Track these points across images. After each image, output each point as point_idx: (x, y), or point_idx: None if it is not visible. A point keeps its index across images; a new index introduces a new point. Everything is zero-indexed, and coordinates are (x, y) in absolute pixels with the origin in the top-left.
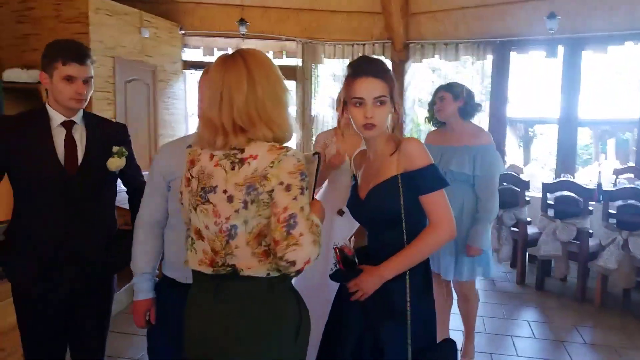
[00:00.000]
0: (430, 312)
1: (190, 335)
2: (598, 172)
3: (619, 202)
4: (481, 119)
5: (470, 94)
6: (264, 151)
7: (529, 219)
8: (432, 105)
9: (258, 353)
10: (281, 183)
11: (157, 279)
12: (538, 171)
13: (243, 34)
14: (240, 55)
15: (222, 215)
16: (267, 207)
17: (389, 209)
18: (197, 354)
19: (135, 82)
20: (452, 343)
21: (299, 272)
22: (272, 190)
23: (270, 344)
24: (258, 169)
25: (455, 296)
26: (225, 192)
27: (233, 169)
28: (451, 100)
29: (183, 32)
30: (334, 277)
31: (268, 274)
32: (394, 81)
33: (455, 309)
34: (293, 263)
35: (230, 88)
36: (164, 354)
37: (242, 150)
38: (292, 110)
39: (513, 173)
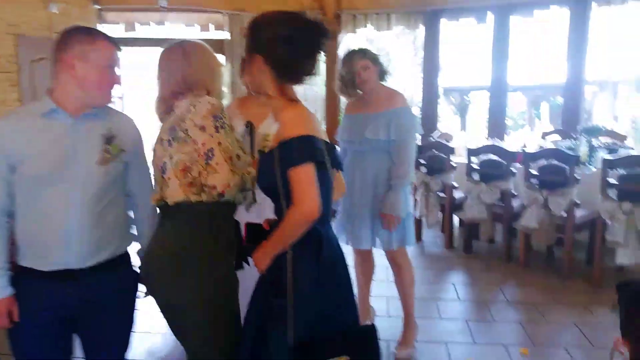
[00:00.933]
0: (328, 301)
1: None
2: (525, 135)
3: (541, 163)
4: (415, 87)
5: (382, 56)
6: (186, 100)
7: (455, 184)
8: (350, 76)
9: (178, 269)
10: (196, 125)
11: (11, 272)
12: (472, 138)
13: (164, 7)
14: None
15: (158, 155)
16: (185, 144)
17: (267, 183)
18: (144, 270)
19: (43, 61)
20: (367, 331)
21: (221, 195)
22: (187, 130)
23: (187, 264)
24: (179, 114)
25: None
26: (161, 139)
27: (165, 118)
28: (372, 66)
29: (99, 7)
30: (242, 250)
31: (192, 201)
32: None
33: (376, 276)
34: (214, 187)
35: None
36: (34, 353)
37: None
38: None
39: (442, 141)
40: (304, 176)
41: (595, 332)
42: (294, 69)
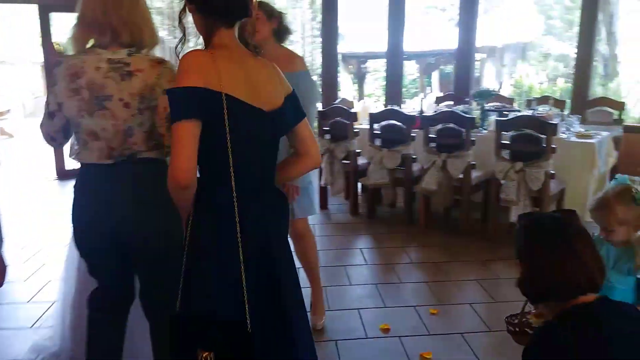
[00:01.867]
0: (211, 279)
1: (88, 217)
2: (421, 100)
3: (439, 127)
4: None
5: (281, 14)
6: (148, 66)
7: (358, 150)
8: (240, 31)
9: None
10: (164, 91)
11: None
12: (370, 105)
13: None
14: None
15: (119, 118)
16: (155, 112)
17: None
18: (95, 230)
19: None
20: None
21: None
22: (157, 98)
23: (154, 211)
24: (147, 82)
25: None
26: (121, 100)
27: (124, 80)
28: (265, 20)
29: None
30: None
31: (159, 157)
32: None
33: None
34: None
35: None
36: None
37: (128, 64)
38: None
39: (343, 107)
40: (174, 135)
41: (495, 287)
42: (220, 8)
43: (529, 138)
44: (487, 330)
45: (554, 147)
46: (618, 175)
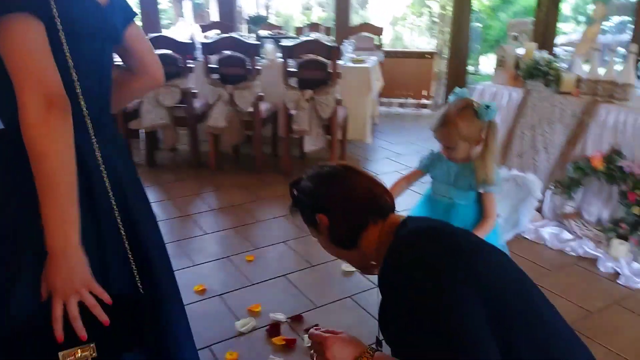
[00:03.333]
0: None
1: None
2: (185, 29)
3: (220, 56)
4: None
5: None
6: None
7: None
8: None
9: None
10: None
11: None
12: None
13: None
14: None
15: None
16: None
17: None
18: None
19: None
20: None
21: None
22: None
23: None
24: None
25: None
26: None
27: None
28: None
29: None
30: None
31: None
32: None
33: None
34: None
35: None
36: None
37: None
38: None
39: None
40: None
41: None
42: None
43: (316, 64)
44: (309, 265)
45: (339, 72)
46: (457, 89)
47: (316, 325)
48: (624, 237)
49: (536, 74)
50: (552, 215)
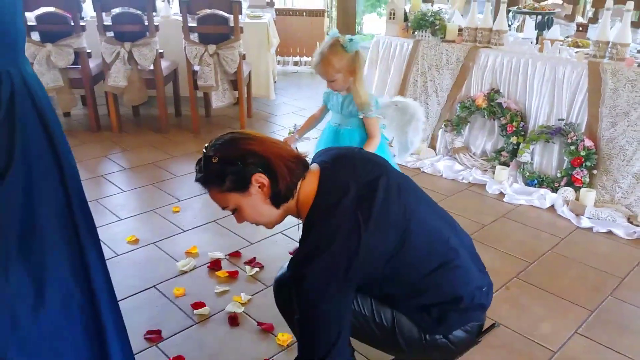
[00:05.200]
0: None
1: None
2: None
3: (114, 12)
4: None
5: None
6: None
7: None
8: None
9: None
10: None
11: None
12: None
13: None
14: None
15: None
16: None
17: None
18: None
19: None
20: None
21: None
22: None
23: None
24: None
25: None
26: None
27: None
28: None
29: None
30: None
31: None
32: None
33: None
34: None
35: None
36: None
37: None
38: None
39: None
40: None
41: None
42: None
43: (218, 18)
44: None
45: (241, 27)
46: (330, 31)
47: None
48: (505, 164)
49: (424, 25)
50: (444, 151)
